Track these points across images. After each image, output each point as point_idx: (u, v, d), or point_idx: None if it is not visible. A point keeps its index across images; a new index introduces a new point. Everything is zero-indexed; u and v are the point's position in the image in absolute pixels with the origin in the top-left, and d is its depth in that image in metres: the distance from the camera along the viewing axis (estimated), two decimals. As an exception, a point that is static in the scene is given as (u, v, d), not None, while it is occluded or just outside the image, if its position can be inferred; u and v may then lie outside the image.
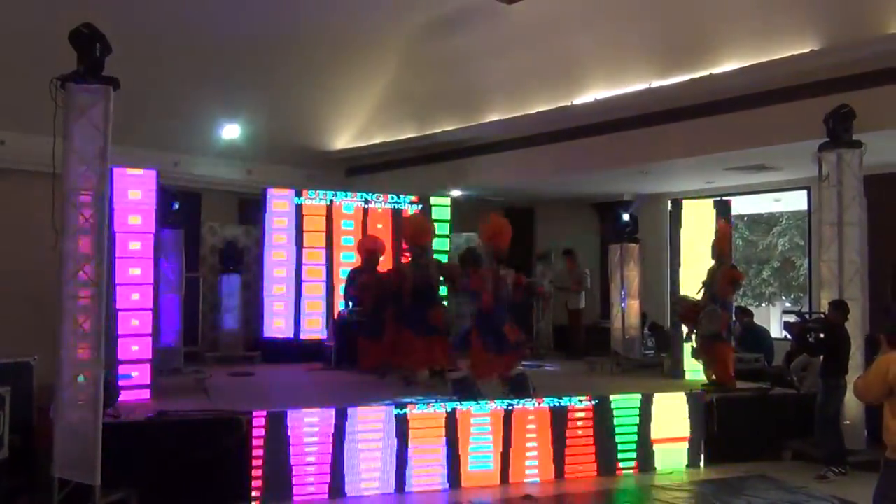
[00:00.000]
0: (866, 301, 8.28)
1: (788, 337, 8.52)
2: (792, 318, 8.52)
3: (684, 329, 9.57)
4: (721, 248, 9.31)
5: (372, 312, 9.90)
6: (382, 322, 9.53)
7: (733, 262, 9.68)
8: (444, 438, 7.14)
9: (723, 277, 9.09)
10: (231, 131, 12.62)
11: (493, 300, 7.97)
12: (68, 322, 5.73)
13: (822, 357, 8.00)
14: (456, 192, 13.45)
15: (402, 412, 7.06)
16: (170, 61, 10.70)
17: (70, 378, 5.72)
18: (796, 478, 7.55)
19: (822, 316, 8.10)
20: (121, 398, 6.99)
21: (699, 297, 9.30)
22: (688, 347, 9.60)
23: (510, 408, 7.39)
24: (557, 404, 7.57)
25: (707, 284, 9.26)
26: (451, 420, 7.18)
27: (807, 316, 8.38)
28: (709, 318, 8.97)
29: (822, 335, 7.90)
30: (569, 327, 13.12)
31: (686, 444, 7.98)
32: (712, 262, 9.38)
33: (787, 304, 21.69)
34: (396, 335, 9.23)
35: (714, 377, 9.07)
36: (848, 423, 7.96)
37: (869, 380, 4.64)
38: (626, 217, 11.60)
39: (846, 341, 7.80)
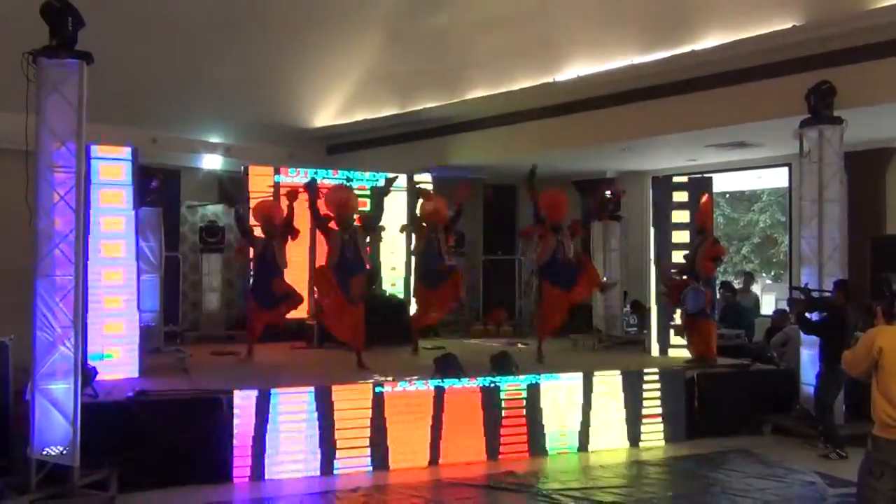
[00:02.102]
0: (845, 277, 8.30)
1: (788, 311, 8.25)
2: (797, 295, 8.18)
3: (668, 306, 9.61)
4: (703, 223, 9.32)
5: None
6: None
7: (715, 237, 9.70)
8: (427, 416, 7.15)
9: (704, 253, 9.10)
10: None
11: (551, 262, 9.17)
12: (43, 301, 5.66)
13: (823, 339, 7.75)
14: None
15: (381, 390, 7.05)
16: (147, 36, 10.51)
17: (46, 358, 5.65)
18: (776, 452, 7.62)
19: (827, 296, 7.86)
20: (100, 378, 6.93)
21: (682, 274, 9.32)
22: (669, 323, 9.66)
23: (492, 385, 7.41)
24: (539, 382, 7.60)
25: (690, 261, 9.29)
26: (435, 398, 7.19)
27: (813, 294, 8.01)
28: (693, 296, 8.98)
29: (824, 315, 7.74)
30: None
31: (668, 420, 8.04)
32: (695, 239, 9.39)
33: (768, 281, 21.86)
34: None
35: (696, 353, 9.10)
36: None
37: (857, 352, 4.57)
38: (608, 194, 11.67)
39: (850, 324, 7.46)
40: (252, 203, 11.54)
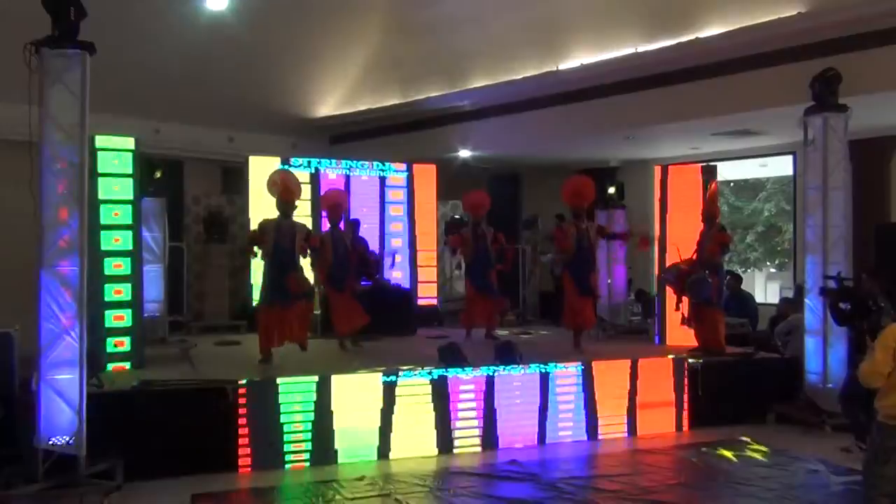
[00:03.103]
0: (849, 265, 8.29)
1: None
2: (830, 284, 7.65)
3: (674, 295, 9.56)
4: (711, 210, 9.28)
5: None
6: None
7: (721, 224, 9.65)
8: (431, 406, 7.18)
9: (711, 241, 9.05)
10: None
11: (577, 251, 9.08)
12: (48, 292, 5.67)
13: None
14: (464, 154, 13.35)
15: (390, 379, 7.07)
16: (150, 27, 10.51)
17: (51, 348, 5.68)
18: (780, 441, 7.62)
19: (853, 285, 7.65)
20: (104, 368, 6.96)
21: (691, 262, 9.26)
22: (674, 312, 9.62)
23: (495, 374, 7.43)
24: (543, 371, 7.61)
25: (697, 249, 9.22)
26: (438, 387, 7.22)
27: (846, 283, 7.87)
28: (699, 284, 8.92)
29: (850, 306, 7.54)
30: (555, 294, 13.13)
31: (672, 409, 8.05)
32: (701, 227, 9.33)
33: (773, 270, 21.86)
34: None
35: (703, 343, 9.06)
36: (831, 385, 8.03)
37: (877, 360, 4.30)
38: (611, 190, 11.69)
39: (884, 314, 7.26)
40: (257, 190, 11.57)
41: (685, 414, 8.11)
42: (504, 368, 7.52)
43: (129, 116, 10.79)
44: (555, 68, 11.09)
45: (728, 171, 14.09)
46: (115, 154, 7.86)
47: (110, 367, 7.54)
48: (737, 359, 8.85)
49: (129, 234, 7.87)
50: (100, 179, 7.66)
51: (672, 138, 11.67)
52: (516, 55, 11.51)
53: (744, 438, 7.67)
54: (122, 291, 7.80)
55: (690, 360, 8.29)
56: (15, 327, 6.42)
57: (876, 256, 9.36)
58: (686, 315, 9.24)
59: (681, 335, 9.62)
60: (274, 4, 11.03)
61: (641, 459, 7.07)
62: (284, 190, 8.41)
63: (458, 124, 12.79)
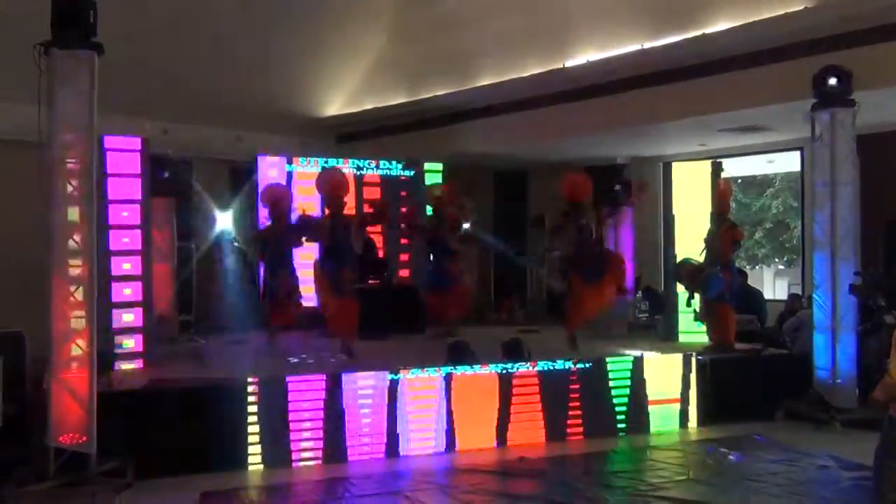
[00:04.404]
0: (858, 261, 8.27)
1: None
2: (858, 281, 7.72)
3: (684, 292, 9.55)
4: (722, 207, 9.26)
5: None
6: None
7: (732, 221, 9.62)
8: (439, 403, 7.19)
9: (723, 237, 9.02)
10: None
11: (578, 246, 9.04)
12: (59, 292, 5.70)
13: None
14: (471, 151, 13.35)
15: (396, 377, 7.09)
16: (156, 26, 10.54)
17: (63, 348, 5.71)
18: (789, 437, 7.61)
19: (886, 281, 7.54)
20: (115, 367, 7.00)
21: (701, 258, 9.23)
22: (683, 309, 9.61)
23: (505, 372, 7.44)
24: (552, 367, 7.61)
25: (707, 245, 9.20)
26: (447, 384, 7.23)
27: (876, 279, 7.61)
28: (712, 281, 8.89)
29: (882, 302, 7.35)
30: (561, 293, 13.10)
31: (679, 406, 8.04)
32: (711, 223, 9.33)
33: (781, 267, 21.80)
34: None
35: (715, 340, 9.03)
36: (839, 381, 8.01)
37: None
38: (618, 187, 11.66)
39: None
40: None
41: (693, 411, 8.10)
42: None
43: (137, 117, 10.82)
44: (561, 65, 11.08)
45: (735, 168, 14.05)
46: (123, 154, 7.89)
47: (120, 366, 7.58)
48: (745, 355, 8.84)
49: (138, 233, 7.91)
50: (108, 179, 7.70)
51: (679, 135, 11.64)
52: (523, 53, 11.49)
53: (753, 434, 7.67)
54: (132, 291, 7.84)
55: (699, 357, 8.28)
56: (26, 327, 6.47)
57: (885, 253, 9.33)
58: (699, 311, 9.24)
59: (689, 332, 9.64)
60: (281, 4, 11.05)
61: (651, 456, 7.07)
62: (333, 189, 8.51)
63: (465, 122, 12.78)
